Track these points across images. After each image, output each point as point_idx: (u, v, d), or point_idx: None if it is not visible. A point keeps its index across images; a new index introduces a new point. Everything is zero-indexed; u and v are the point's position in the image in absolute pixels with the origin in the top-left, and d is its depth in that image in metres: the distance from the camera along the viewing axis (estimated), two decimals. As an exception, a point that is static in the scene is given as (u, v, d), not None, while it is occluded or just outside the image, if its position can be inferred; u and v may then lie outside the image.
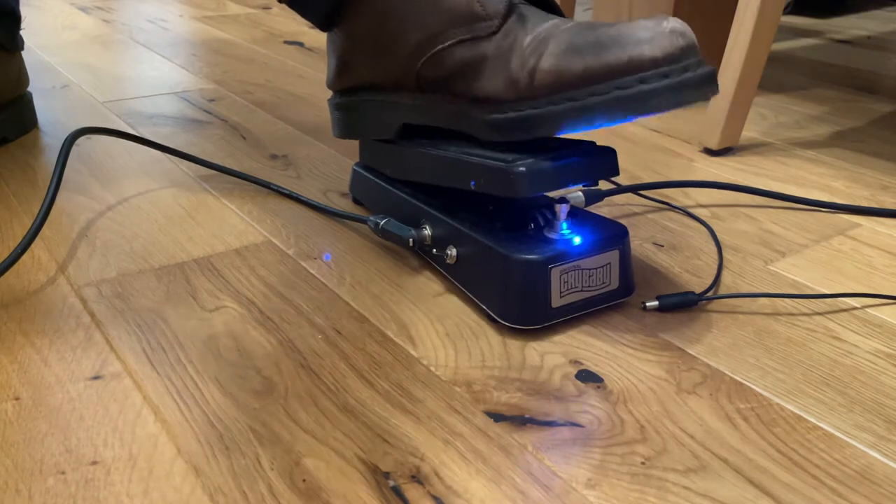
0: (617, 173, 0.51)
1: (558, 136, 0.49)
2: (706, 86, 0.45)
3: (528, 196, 0.48)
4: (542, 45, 0.48)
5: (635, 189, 0.71)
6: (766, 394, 0.45)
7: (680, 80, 0.44)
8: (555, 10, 0.54)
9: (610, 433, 0.42)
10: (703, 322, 0.52)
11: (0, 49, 0.77)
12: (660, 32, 0.44)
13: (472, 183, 0.51)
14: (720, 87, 0.80)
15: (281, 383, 0.45)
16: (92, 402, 0.43)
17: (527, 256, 0.49)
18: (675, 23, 0.45)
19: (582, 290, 0.51)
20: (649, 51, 0.44)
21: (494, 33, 0.50)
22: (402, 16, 0.54)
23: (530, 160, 0.48)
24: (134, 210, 0.66)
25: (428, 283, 0.56)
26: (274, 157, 0.78)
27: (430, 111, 0.56)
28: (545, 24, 0.49)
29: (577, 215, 0.53)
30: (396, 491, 0.38)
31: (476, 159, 0.51)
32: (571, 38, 0.47)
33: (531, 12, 0.51)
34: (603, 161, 0.50)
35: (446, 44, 0.52)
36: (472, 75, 0.51)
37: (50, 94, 0.95)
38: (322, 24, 0.59)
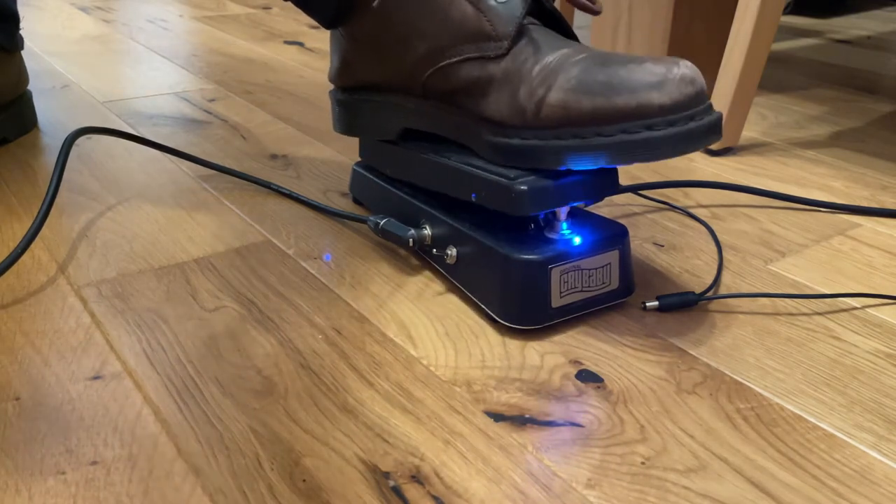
0: (616, 191, 0.51)
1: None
2: (711, 135, 0.46)
3: (529, 215, 0.48)
4: (551, 77, 0.47)
5: (635, 189, 0.71)
6: (766, 394, 0.45)
7: (686, 130, 0.45)
8: (566, 31, 0.54)
9: (610, 433, 0.42)
10: (703, 322, 0.52)
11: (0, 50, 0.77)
12: (670, 79, 0.45)
13: (473, 196, 0.51)
14: (720, 87, 0.80)
15: (281, 383, 0.45)
16: (92, 402, 0.43)
17: (527, 256, 0.49)
18: (685, 69, 0.45)
19: (582, 290, 0.51)
20: (658, 98, 0.44)
21: (503, 55, 0.50)
22: (409, 24, 0.53)
23: (532, 178, 0.48)
24: (134, 210, 0.66)
25: (428, 283, 0.56)
26: (274, 157, 0.78)
27: (434, 119, 0.56)
28: (555, 54, 0.49)
29: (576, 215, 0.53)
30: (396, 491, 0.38)
31: (478, 172, 0.51)
32: (581, 75, 0.46)
33: (542, 37, 0.50)
34: (604, 179, 0.50)
35: (453, 59, 0.51)
36: (478, 94, 0.51)
37: (50, 94, 0.95)
38: (327, 23, 0.59)
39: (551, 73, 0.48)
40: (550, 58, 0.49)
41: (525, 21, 0.51)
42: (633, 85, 0.45)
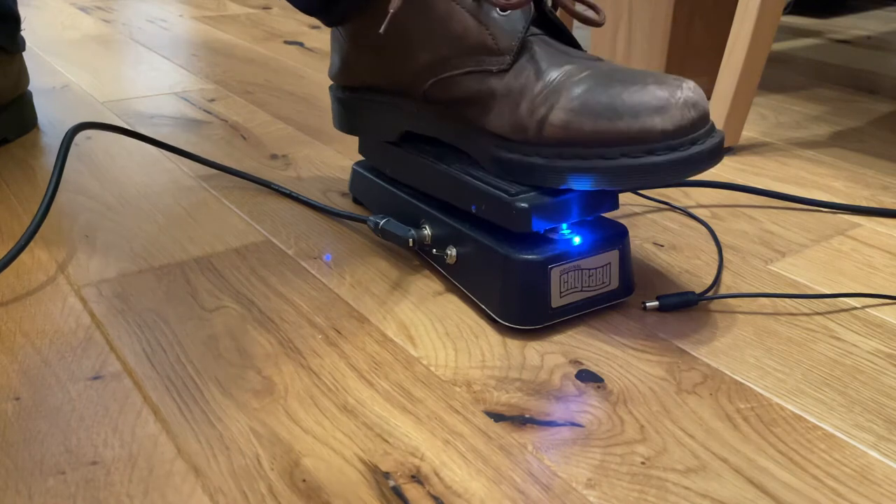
0: (617, 207, 0.51)
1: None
2: (712, 159, 0.46)
3: (529, 231, 0.48)
4: (553, 96, 0.47)
5: (635, 189, 0.71)
6: (766, 394, 0.45)
7: (688, 154, 0.45)
8: (570, 41, 0.53)
9: (610, 433, 0.42)
10: (703, 322, 0.52)
11: (0, 51, 0.77)
12: (672, 103, 0.45)
13: (473, 207, 0.51)
14: (720, 87, 0.80)
15: (281, 383, 0.45)
16: (92, 402, 0.43)
17: (527, 256, 0.49)
18: (688, 92, 0.45)
19: (582, 290, 0.51)
20: (660, 123, 0.44)
21: (505, 70, 0.50)
22: (410, 33, 0.53)
23: (532, 194, 0.48)
24: (134, 210, 0.66)
25: (428, 283, 0.56)
26: (274, 157, 0.78)
27: (435, 124, 0.56)
28: (559, 70, 0.48)
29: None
30: (396, 491, 0.38)
31: (479, 185, 0.51)
32: (584, 95, 0.46)
33: (545, 51, 0.50)
34: (605, 196, 0.50)
35: (455, 72, 0.51)
36: (479, 107, 0.51)
37: (50, 94, 0.95)
38: (328, 22, 0.59)
39: (553, 91, 0.47)
40: (553, 75, 0.48)
41: (527, 33, 0.51)
42: (636, 109, 0.45)
